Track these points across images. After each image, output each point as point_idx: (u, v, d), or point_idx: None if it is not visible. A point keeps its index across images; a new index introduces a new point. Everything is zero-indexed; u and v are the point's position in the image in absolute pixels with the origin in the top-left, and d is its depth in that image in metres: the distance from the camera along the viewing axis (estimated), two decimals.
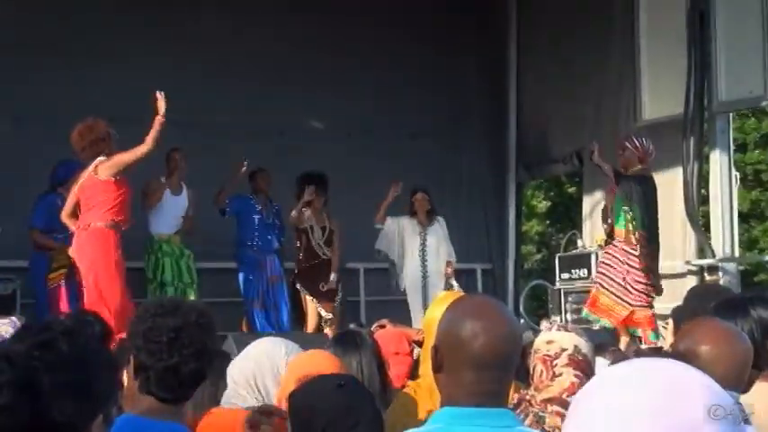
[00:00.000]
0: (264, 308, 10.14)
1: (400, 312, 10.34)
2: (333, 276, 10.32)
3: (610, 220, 10.03)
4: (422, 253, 10.67)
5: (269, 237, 10.29)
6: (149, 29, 11.47)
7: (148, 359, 2.80)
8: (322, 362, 3.53)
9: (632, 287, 9.73)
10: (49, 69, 10.88)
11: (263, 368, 3.61)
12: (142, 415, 2.76)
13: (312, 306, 10.25)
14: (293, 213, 10.23)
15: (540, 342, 3.76)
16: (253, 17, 12.07)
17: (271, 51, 12.10)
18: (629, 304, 9.70)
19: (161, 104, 8.48)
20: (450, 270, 10.78)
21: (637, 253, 9.73)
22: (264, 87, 11.96)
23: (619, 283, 9.78)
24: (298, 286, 10.35)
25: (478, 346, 2.30)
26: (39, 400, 1.85)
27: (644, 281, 9.72)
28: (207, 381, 4.11)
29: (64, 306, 8.76)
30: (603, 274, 9.91)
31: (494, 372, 2.30)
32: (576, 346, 3.68)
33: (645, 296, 9.74)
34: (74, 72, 11.01)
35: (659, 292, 9.86)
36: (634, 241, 9.74)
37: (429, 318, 3.91)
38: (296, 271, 10.45)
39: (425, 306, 10.25)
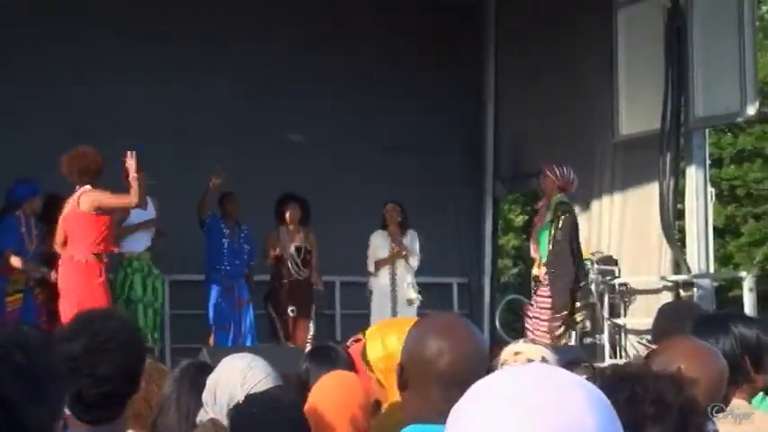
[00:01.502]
0: (230, 331, 10.10)
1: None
2: (318, 282, 10.36)
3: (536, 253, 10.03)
4: (391, 265, 10.64)
5: (237, 262, 10.25)
6: (132, 45, 11.43)
7: None
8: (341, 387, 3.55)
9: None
10: (32, 82, 10.83)
11: (221, 380, 3.66)
12: (78, 430, 2.75)
13: (279, 327, 10.25)
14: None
15: (507, 353, 3.77)
16: (233, 31, 12.06)
17: (249, 67, 12.06)
18: None
19: (131, 164, 8.38)
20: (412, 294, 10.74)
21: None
22: (241, 102, 11.92)
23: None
24: (268, 305, 10.35)
25: (444, 364, 2.28)
26: (12, 412, 1.87)
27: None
28: (192, 396, 4.06)
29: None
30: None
31: (460, 389, 2.18)
32: (543, 358, 3.69)
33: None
34: (58, 80, 10.96)
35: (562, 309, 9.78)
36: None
37: (390, 348, 3.89)
38: (268, 288, 10.44)
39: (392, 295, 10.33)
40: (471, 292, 13.75)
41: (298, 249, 10.32)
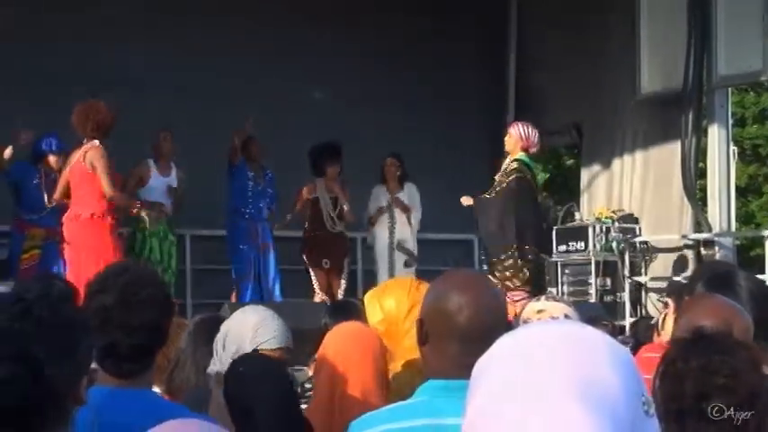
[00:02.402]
0: (255, 278, 10.07)
1: None
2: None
3: None
4: (390, 219, 10.62)
5: (260, 205, 10.22)
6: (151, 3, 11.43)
7: None
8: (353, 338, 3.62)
9: None
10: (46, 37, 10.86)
11: (232, 331, 3.66)
12: (105, 385, 2.75)
13: (315, 278, 10.23)
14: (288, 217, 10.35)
15: (529, 311, 3.77)
16: None
17: (270, 20, 12.04)
18: None
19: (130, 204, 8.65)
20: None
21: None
22: (264, 56, 11.91)
23: None
24: (303, 256, 10.31)
25: (464, 319, 2.30)
26: (37, 368, 1.86)
27: None
28: (208, 350, 4.09)
29: None
30: None
31: (479, 344, 2.19)
32: (566, 315, 3.69)
33: None
34: (68, 36, 10.97)
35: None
36: None
37: (387, 310, 3.89)
38: (302, 240, 10.42)
39: (391, 273, 10.26)
40: None
41: (333, 201, 10.31)
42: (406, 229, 10.66)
